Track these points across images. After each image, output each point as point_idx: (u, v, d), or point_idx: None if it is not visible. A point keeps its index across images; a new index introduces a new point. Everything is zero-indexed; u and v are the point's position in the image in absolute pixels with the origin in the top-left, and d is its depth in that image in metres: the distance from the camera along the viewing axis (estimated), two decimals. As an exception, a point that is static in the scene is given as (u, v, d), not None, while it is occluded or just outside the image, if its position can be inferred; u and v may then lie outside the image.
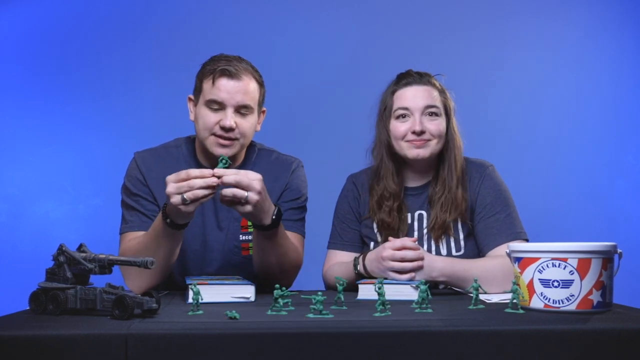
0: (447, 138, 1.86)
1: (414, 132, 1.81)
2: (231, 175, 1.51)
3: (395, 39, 2.86)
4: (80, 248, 1.36)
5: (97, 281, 1.38)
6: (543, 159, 2.82)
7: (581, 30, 2.86)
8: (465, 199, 1.84)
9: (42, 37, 2.84)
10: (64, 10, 2.86)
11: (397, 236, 1.81)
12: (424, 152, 1.83)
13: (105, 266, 1.32)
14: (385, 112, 1.88)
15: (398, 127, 1.84)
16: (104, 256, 1.33)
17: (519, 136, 2.83)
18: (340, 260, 1.88)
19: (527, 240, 1.81)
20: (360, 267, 1.74)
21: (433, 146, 1.83)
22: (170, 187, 1.49)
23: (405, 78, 1.87)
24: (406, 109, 1.83)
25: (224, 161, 1.54)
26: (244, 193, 1.51)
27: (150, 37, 2.86)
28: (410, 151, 1.83)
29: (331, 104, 2.83)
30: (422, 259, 1.63)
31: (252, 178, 1.53)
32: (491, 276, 1.64)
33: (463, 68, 2.84)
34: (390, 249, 1.63)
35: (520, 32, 2.87)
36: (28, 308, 1.37)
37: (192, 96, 1.84)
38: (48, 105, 2.83)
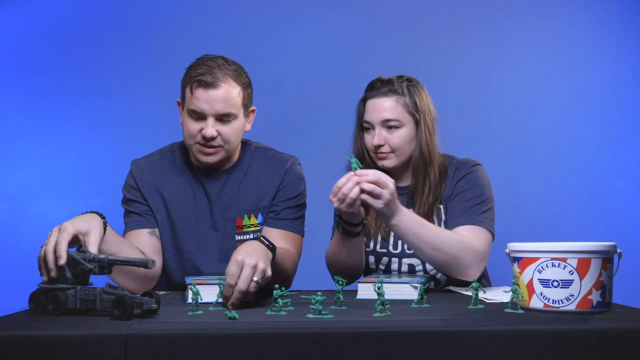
0: (419, 142, 1.87)
1: (374, 145, 1.86)
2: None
3: (395, 38, 2.86)
4: (79, 248, 1.37)
5: (97, 281, 1.38)
6: (543, 160, 2.82)
7: (581, 30, 2.86)
8: (432, 206, 1.87)
9: (42, 37, 2.83)
10: (64, 11, 2.85)
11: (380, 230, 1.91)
12: (387, 163, 1.89)
13: (105, 266, 1.32)
14: (358, 121, 1.94)
15: (365, 139, 1.91)
16: (103, 256, 1.33)
17: (518, 136, 2.83)
18: None
19: (491, 233, 1.82)
20: (346, 226, 1.75)
21: (394, 158, 1.87)
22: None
23: (371, 89, 1.91)
24: (368, 122, 1.88)
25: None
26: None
27: (151, 37, 2.85)
28: (377, 162, 1.90)
29: (330, 103, 2.82)
30: (355, 183, 1.60)
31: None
32: (440, 243, 1.68)
33: (463, 68, 2.83)
34: (333, 198, 1.64)
35: (520, 32, 2.87)
36: (28, 308, 1.37)
37: (179, 100, 1.85)
38: (48, 105, 2.83)
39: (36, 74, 2.83)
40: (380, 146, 1.86)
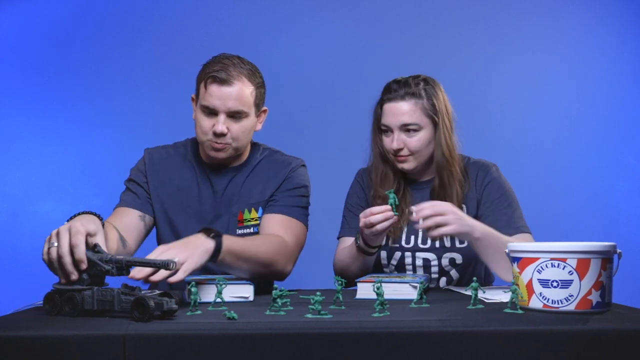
0: (437, 143, 1.88)
1: (393, 149, 1.87)
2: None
3: (395, 38, 2.86)
4: (94, 249, 1.36)
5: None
6: (543, 160, 2.82)
7: (581, 30, 2.86)
8: (459, 205, 1.87)
9: (42, 37, 2.84)
10: (64, 11, 2.86)
11: (394, 233, 1.90)
12: (407, 166, 1.90)
13: (123, 268, 1.31)
14: (375, 123, 1.94)
15: (384, 141, 1.91)
16: (120, 257, 1.31)
17: (519, 137, 2.83)
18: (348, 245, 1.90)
19: (531, 235, 1.86)
20: (360, 240, 1.78)
21: (413, 160, 1.88)
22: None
23: (389, 92, 1.90)
24: (387, 126, 1.89)
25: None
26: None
27: (151, 37, 2.86)
28: (397, 164, 1.91)
29: (331, 103, 2.83)
30: (390, 217, 1.65)
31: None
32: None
33: (463, 68, 2.83)
34: (362, 218, 1.68)
35: (520, 32, 2.87)
36: (37, 302, 1.37)
37: (194, 96, 1.88)
38: (48, 105, 2.83)
39: (36, 74, 2.83)
40: (399, 149, 1.87)
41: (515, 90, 2.85)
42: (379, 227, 1.65)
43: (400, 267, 1.92)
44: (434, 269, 1.89)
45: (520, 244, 1.35)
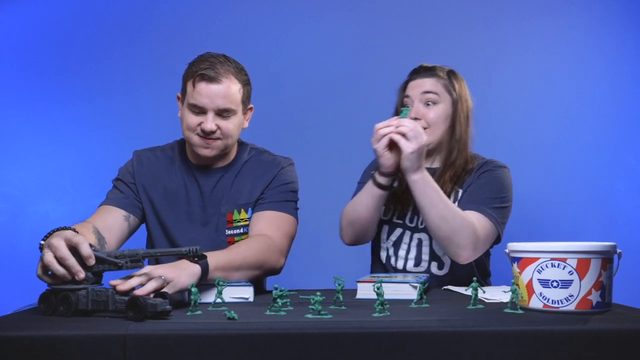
0: (453, 124, 1.93)
1: (412, 118, 1.88)
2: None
3: (395, 38, 2.86)
4: (90, 247, 1.36)
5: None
6: (543, 160, 2.81)
7: (581, 30, 2.85)
8: (455, 189, 1.91)
9: (42, 37, 2.83)
10: (64, 11, 2.85)
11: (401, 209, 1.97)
12: None
13: (140, 260, 1.34)
14: (398, 103, 2.00)
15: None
16: (134, 250, 1.34)
17: (519, 137, 2.83)
18: None
19: (497, 229, 1.84)
20: (376, 174, 1.83)
21: (429, 135, 1.89)
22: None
23: (414, 73, 2.00)
24: (408, 96, 1.95)
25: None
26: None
27: (151, 37, 2.85)
28: None
29: (330, 103, 2.82)
30: (392, 125, 1.74)
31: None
32: (447, 212, 1.74)
33: (463, 68, 2.81)
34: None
35: (520, 32, 2.86)
36: (33, 303, 1.37)
37: (180, 94, 1.89)
38: (48, 105, 2.83)
39: (36, 74, 2.83)
40: (417, 119, 1.89)
41: (515, 90, 2.84)
42: (380, 131, 1.73)
43: (397, 244, 1.95)
44: (425, 249, 1.91)
45: (521, 244, 1.35)
